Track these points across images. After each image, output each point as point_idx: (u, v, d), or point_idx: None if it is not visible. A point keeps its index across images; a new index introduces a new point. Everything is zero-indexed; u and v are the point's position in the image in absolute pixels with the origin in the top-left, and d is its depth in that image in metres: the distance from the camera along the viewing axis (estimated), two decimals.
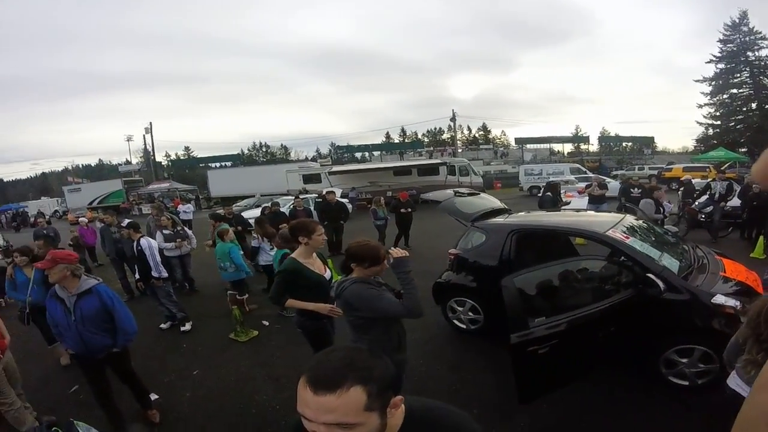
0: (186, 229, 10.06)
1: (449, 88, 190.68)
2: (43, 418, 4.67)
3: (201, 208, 38.13)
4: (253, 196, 28.74)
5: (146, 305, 8.33)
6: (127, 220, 9.26)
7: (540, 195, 15.16)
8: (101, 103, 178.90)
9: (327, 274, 4.21)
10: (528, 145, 65.78)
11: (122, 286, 9.99)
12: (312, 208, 14.84)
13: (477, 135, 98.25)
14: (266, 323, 7.41)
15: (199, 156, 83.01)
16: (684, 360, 4.48)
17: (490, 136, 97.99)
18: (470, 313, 6.25)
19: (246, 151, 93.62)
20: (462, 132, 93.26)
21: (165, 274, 7.36)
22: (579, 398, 4.43)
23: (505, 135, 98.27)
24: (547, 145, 68.04)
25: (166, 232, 9.23)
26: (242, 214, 13.91)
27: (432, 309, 6.53)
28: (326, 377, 1.17)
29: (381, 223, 13.14)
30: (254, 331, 7.08)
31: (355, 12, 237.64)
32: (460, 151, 63.41)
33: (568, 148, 73.94)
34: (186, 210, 20.05)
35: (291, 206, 13.95)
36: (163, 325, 7.59)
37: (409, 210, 13.11)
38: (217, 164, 64.57)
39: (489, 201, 7.40)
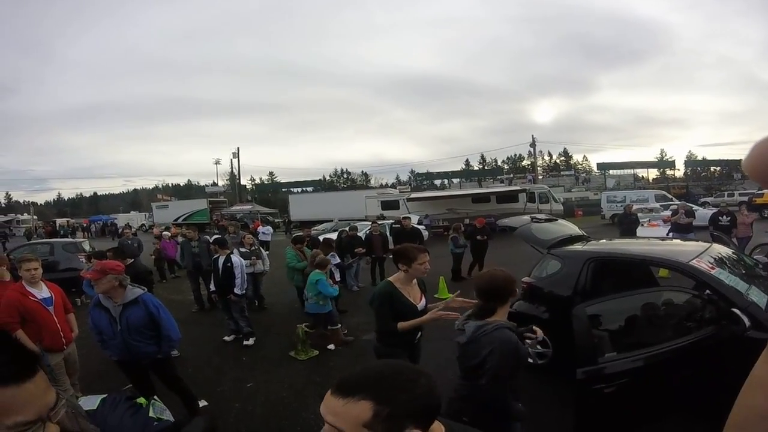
0: (261, 249, 10.45)
1: (528, 112, 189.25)
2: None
3: (283, 231, 39.00)
4: (332, 220, 29.11)
5: (213, 317, 8.88)
6: (215, 236, 9.62)
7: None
8: (192, 128, 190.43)
9: (421, 304, 3.92)
10: (611, 171, 64.53)
11: (194, 298, 10.46)
12: (387, 233, 14.93)
13: (558, 161, 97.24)
14: (332, 347, 7.37)
15: (281, 181, 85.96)
16: None
17: (571, 162, 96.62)
18: (539, 347, 5.89)
19: (327, 177, 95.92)
20: (542, 158, 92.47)
21: (244, 292, 7.66)
22: None
23: (587, 160, 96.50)
24: (630, 171, 66.16)
25: (243, 249, 9.45)
26: (319, 237, 14.14)
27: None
28: (348, 382, 1.18)
29: (460, 251, 12.86)
30: (315, 351, 7.09)
31: (430, 39, 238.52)
32: (540, 177, 62.73)
33: (653, 173, 71.91)
34: (265, 231, 20.61)
35: (368, 231, 14.07)
36: (226, 338, 7.86)
37: (485, 237, 12.94)
38: (299, 189, 66.35)
39: (567, 227, 7.21)
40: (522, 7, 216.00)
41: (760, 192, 30.32)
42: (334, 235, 14.58)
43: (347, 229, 12.88)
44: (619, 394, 3.44)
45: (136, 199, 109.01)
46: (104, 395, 2.59)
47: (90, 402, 2.42)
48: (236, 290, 7.43)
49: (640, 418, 3.88)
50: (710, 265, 4.69)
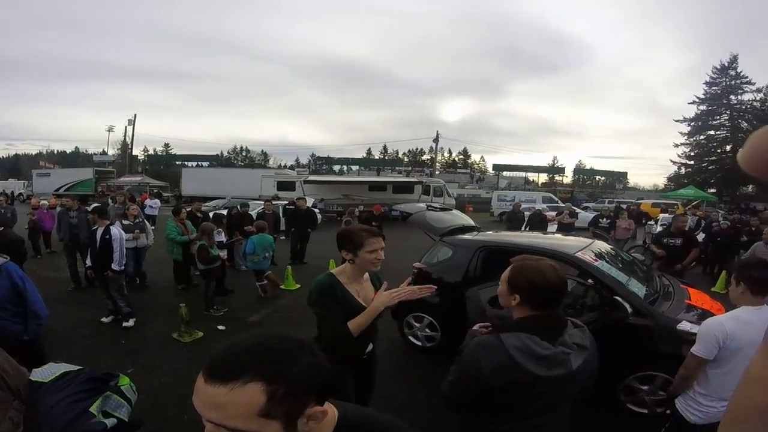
0: (146, 222, 9.81)
1: (437, 109, 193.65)
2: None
3: (172, 206, 36.98)
4: (225, 197, 28.36)
5: (91, 296, 8.19)
6: (94, 205, 9.09)
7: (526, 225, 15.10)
8: (86, 90, 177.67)
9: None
10: (504, 173, 66.63)
11: (71, 274, 9.54)
12: (281, 214, 14.79)
13: (456, 158, 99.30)
14: (222, 328, 7.15)
15: (177, 153, 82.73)
16: (645, 387, 4.48)
17: (469, 161, 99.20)
18: (427, 330, 6.15)
19: (225, 154, 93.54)
20: (442, 154, 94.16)
21: (123, 268, 7.12)
22: None
23: (483, 161, 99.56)
24: (523, 174, 68.74)
25: (125, 222, 8.81)
26: (210, 214, 13.68)
27: (387, 324, 6.36)
28: (224, 363, 0.96)
29: None
30: (199, 332, 6.79)
31: (361, 27, 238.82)
32: (438, 172, 63.79)
33: (543, 178, 74.98)
34: (152, 205, 19.90)
35: (260, 209, 13.89)
36: (104, 319, 7.24)
37: (379, 224, 12.80)
38: (194, 163, 64.13)
39: (460, 218, 7.38)
40: (458, 9, 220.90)
41: (638, 201, 35.59)
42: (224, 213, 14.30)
43: (238, 206, 12.64)
44: None
45: (17, 165, 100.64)
46: (74, 368, 2.37)
47: (45, 373, 2.21)
48: (114, 266, 6.81)
49: None
50: (593, 258, 5.03)
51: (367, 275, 3.13)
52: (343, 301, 2.87)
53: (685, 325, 4.23)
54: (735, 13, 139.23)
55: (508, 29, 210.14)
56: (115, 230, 7.03)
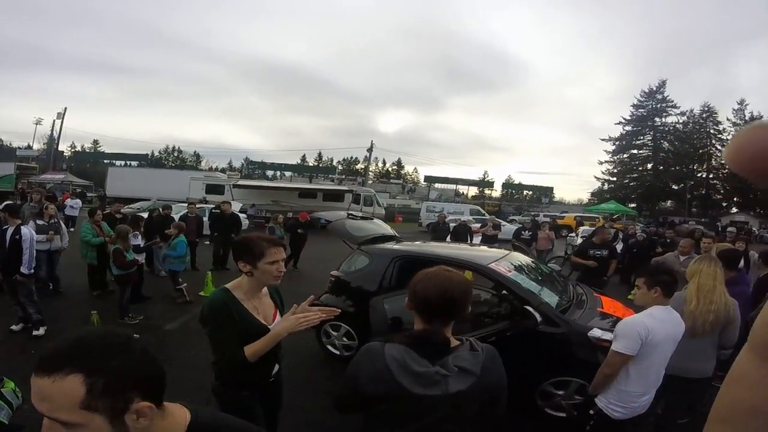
0: (61, 223, 9.11)
1: (375, 119, 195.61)
2: None
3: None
4: (150, 199, 27.38)
5: (1, 302, 7.56)
6: (6, 203, 8.71)
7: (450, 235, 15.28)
8: (14, 79, 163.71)
9: (275, 323, 2.75)
10: (436, 184, 67.50)
11: None
12: (206, 217, 14.58)
13: (390, 169, 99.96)
14: (136, 336, 6.87)
15: (106, 151, 79.70)
16: (560, 392, 4.61)
17: (402, 171, 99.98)
18: (345, 339, 6.12)
19: (157, 154, 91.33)
20: (377, 164, 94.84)
21: (33, 271, 6.67)
22: None
23: (417, 172, 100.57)
24: (454, 186, 69.74)
25: (40, 222, 8.18)
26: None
27: (304, 332, 6.44)
28: (50, 356, 1.00)
29: None
30: None
31: (304, 31, 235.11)
32: (371, 182, 64.06)
33: (473, 191, 76.54)
34: (73, 205, 19.32)
35: (184, 212, 13.45)
36: (14, 327, 6.79)
37: (305, 231, 13.01)
38: (123, 162, 62.18)
39: (380, 227, 7.42)
40: (403, 21, 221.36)
41: (562, 215, 37.36)
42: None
43: (160, 208, 12.32)
44: None
45: None
46: None
47: None
48: (23, 268, 6.37)
49: None
50: (507, 269, 5.15)
51: (266, 289, 2.84)
52: (240, 321, 2.55)
53: (596, 332, 4.38)
54: (666, 42, 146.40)
55: (450, 45, 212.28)
56: (26, 230, 6.59)
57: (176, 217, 12.30)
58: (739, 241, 8.86)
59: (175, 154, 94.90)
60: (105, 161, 65.51)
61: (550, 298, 5.12)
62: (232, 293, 2.63)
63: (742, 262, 6.62)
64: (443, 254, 6.11)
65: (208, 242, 14.14)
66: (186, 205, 14.09)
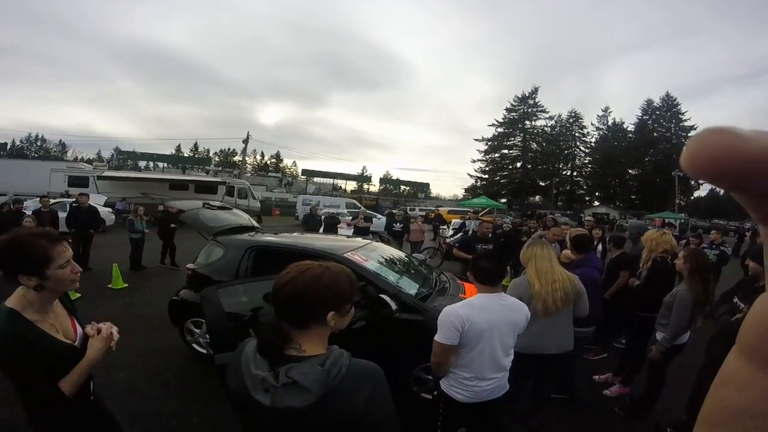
0: None
1: (254, 111, 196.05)
2: None
3: None
4: (6, 194, 25.18)
5: None
6: None
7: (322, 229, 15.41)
8: None
9: (78, 336, 2.24)
10: (315, 178, 67.72)
11: None
12: (66, 211, 13.58)
13: (269, 162, 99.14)
14: None
15: None
16: (430, 377, 4.68)
17: (280, 165, 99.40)
18: (208, 336, 5.72)
19: (18, 143, 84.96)
20: (254, 157, 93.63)
21: None
22: None
23: (295, 166, 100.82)
24: (332, 180, 70.28)
25: None
26: None
27: (169, 332, 6.16)
28: None
29: (138, 236, 11.74)
30: None
31: (186, 18, 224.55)
32: (248, 174, 63.15)
33: (352, 185, 77.38)
34: None
35: (36, 209, 12.35)
36: None
37: (177, 226, 12.12)
38: None
39: (239, 218, 7.22)
40: (289, 14, 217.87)
41: (435, 209, 38.16)
42: None
43: (10, 202, 11.32)
44: None
45: None
46: None
47: None
48: None
49: None
50: (363, 258, 5.21)
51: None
52: (43, 351, 1.97)
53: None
54: (541, 53, 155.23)
55: (335, 41, 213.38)
56: None
57: (30, 212, 11.30)
58: (596, 228, 9.42)
59: (39, 143, 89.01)
60: None
61: (409, 286, 5.21)
62: (24, 316, 1.98)
63: (600, 247, 7.07)
64: (298, 244, 6.07)
65: (70, 240, 13.01)
66: (40, 199, 12.94)
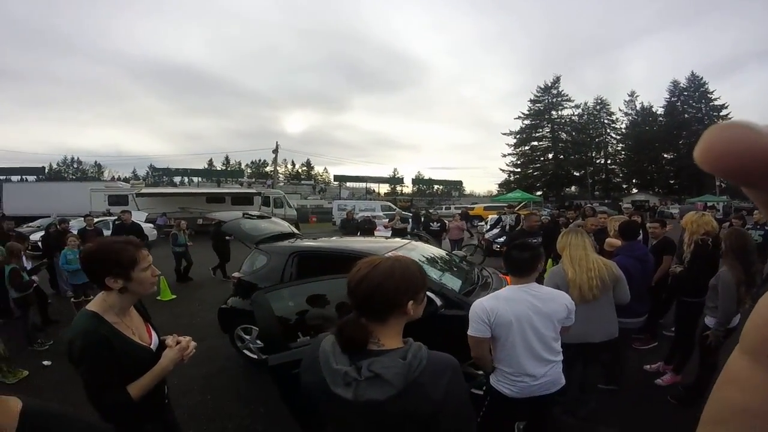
0: None
1: (280, 121, 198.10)
2: None
3: None
4: (50, 216, 25.67)
5: None
6: None
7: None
8: None
9: (154, 341, 2.38)
10: (347, 183, 67.96)
11: None
12: (109, 229, 13.92)
13: (300, 170, 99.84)
14: (48, 363, 6.37)
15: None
16: (480, 372, 4.61)
17: (312, 172, 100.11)
18: (258, 342, 5.95)
19: (55, 166, 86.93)
20: (285, 166, 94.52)
21: None
22: None
23: (327, 172, 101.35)
24: (364, 184, 70.39)
25: None
26: (30, 235, 12.73)
27: (220, 339, 6.33)
28: None
29: (181, 250, 12.15)
30: (23, 371, 6.07)
31: (201, 31, 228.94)
32: (281, 184, 63.63)
33: (384, 188, 77.39)
34: None
35: (81, 228, 12.69)
36: None
37: (229, 238, 12.12)
38: (19, 178, 58.53)
39: (278, 225, 7.37)
40: (304, 21, 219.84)
41: (471, 206, 38.15)
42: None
43: (56, 223, 11.61)
44: None
45: None
46: None
47: None
48: None
49: None
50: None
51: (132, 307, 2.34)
52: (122, 354, 2.07)
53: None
54: (560, 42, 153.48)
55: (351, 44, 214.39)
56: None
57: (75, 231, 11.58)
58: (635, 216, 9.33)
59: (75, 166, 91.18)
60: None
61: (452, 282, 5.22)
62: (105, 318, 2.10)
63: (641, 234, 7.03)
64: (339, 248, 6.23)
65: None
66: (84, 218, 13.29)
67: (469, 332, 3.02)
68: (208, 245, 12.85)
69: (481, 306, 2.98)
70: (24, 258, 7.84)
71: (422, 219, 15.81)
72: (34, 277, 7.33)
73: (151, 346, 2.30)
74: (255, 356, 6.03)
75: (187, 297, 10.19)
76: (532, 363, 3.00)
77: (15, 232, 10.21)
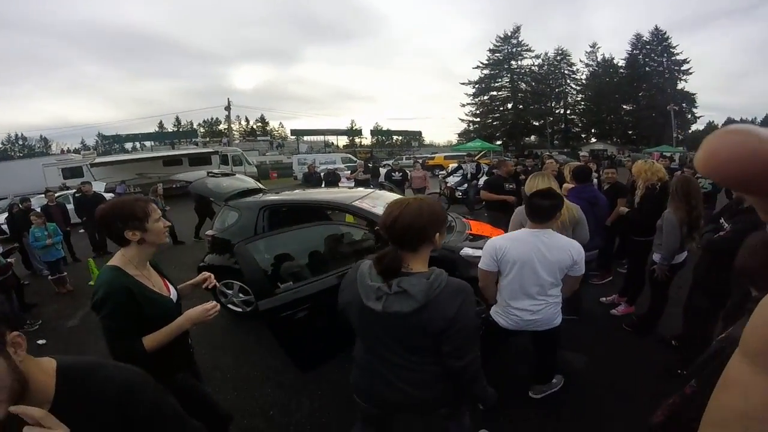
0: None
1: (230, 77, 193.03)
2: None
3: None
4: (6, 197, 24.99)
5: None
6: None
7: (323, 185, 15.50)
8: None
9: (173, 293, 2.57)
10: (305, 137, 67.22)
11: None
12: (70, 203, 13.75)
13: (255, 126, 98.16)
14: (43, 342, 6.31)
15: None
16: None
17: (267, 128, 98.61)
18: (241, 295, 6.14)
19: (0, 145, 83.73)
20: (239, 123, 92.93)
21: None
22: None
23: (282, 127, 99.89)
24: (323, 138, 69.88)
25: None
26: None
27: (203, 298, 6.43)
28: None
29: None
30: None
31: None
32: (237, 142, 62.76)
33: (343, 140, 76.97)
34: None
35: (43, 205, 12.42)
36: None
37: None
38: None
39: (244, 182, 7.44)
40: None
41: (431, 156, 39.95)
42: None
43: (18, 202, 11.46)
44: (312, 320, 3.51)
45: None
46: None
47: None
48: None
49: (345, 339, 4.30)
50: (371, 205, 5.51)
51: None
52: (145, 303, 2.25)
53: (467, 251, 4.89)
54: None
55: None
56: None
57: (38, 209, 11.46)
58: (590, 163, 9.82)
59: (20, 143, 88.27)
60: None
61: None
62: (126, 271, 2.28)
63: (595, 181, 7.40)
64: (308, 199, 6.48)
65: (82, 230, 13.29)
66: (44, 193, 13.13)
67: (480, 265, 3.34)
68: (182, 209, 12.81)
69: (493, 244, 3.32)
70: None
71: (382, 173, 15.92)
72: (10, 259, 7.26)
73: (171, 296, 2.50)
74: (239, 309, 6.24)
75: (163, 260, 10.13)
76: (525, 301, 3.33)
77: None
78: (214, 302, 2.48)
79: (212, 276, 2.88)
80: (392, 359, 2.10)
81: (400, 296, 1.92)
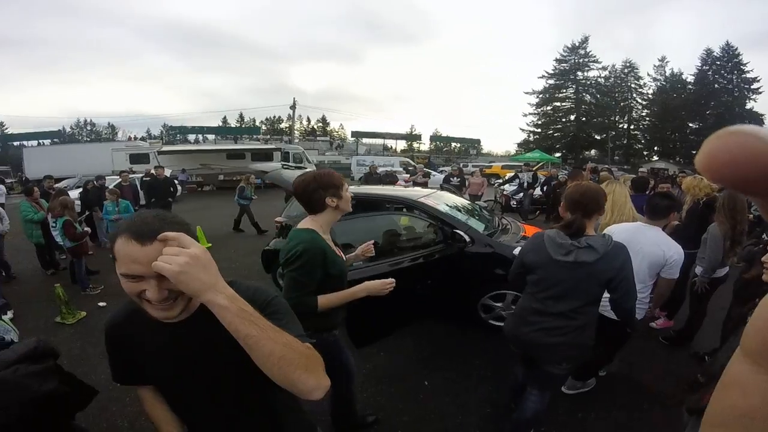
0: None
1: (294, 76, 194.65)
2: None
3: (19, 193, 32.97)
4: (75, 176, 26.02)
5: None
6: None
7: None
8: None
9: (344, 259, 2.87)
10: (363, 139, 67.50)
11: None
12: (139, 187, 14.37)
13: (315, 126, 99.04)
14: (103, 304, 6.98)
15: (12, 133, 74.26)
16: (499, 304, 5.35)
17: (328, 128, 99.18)
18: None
19: (69, 129, 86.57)
20: (301, 122, 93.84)
21: None
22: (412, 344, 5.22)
23: (342, 128, 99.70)
24: (381, 140, 70.17)
25: None
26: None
27: (262, 280, 6.75)
28: (148, 229, 1.27)
29: (246, 203, 12.79)
30: (81, 312, 6.60)
31: None
32: (297, 140, 63.60)
33: (401, 145, 77.13)
34: None
35: (117, 183, 13.12)
36: None
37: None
38: (35, 142, 58.85)
39: None
40: None
41: (489, 164, 40.28)
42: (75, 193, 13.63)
43: (93, 179, 12.09)
44: (371, 302, 3.38)
45: None
46: None
47: None
48: None
49: (397, 321, 4.66)
50: (435, 202, 5.77)
51: None
52: (330, 263, 2.57)
53: (518, 250, 5.16)
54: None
55: None
56: None
57: (112, 186, 12.11)
58: (649, 176, 10.00)
59: (89, 128, 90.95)
60: (15, 143, 61.02)
61: (477, 225, 5.78)
62: (318, 233, 2.60)
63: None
64: (378, 193, 6.83)
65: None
66: (119, 174, 13.84)
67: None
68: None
69: (608, 230, 3.84)
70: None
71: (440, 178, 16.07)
72: (86, 228, 7.91)
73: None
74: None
75: (222, 245, 10.81)
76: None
77: (54, 189, 10.62)
78: (393, 279, 2.81)
79: (373, 244, 3.32)
80: (555, 307, 2.82)
81: (587, 250, 2.67)
